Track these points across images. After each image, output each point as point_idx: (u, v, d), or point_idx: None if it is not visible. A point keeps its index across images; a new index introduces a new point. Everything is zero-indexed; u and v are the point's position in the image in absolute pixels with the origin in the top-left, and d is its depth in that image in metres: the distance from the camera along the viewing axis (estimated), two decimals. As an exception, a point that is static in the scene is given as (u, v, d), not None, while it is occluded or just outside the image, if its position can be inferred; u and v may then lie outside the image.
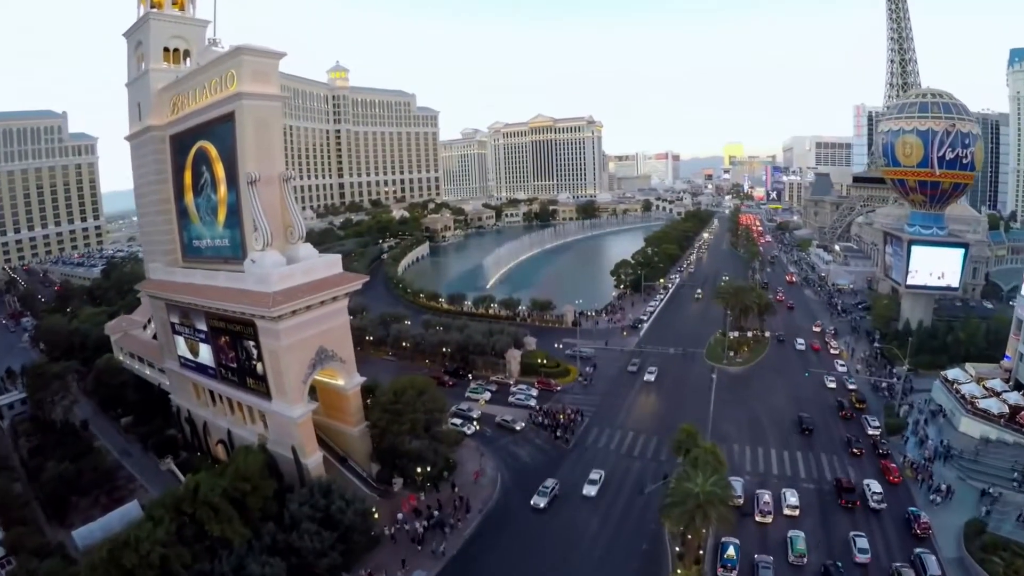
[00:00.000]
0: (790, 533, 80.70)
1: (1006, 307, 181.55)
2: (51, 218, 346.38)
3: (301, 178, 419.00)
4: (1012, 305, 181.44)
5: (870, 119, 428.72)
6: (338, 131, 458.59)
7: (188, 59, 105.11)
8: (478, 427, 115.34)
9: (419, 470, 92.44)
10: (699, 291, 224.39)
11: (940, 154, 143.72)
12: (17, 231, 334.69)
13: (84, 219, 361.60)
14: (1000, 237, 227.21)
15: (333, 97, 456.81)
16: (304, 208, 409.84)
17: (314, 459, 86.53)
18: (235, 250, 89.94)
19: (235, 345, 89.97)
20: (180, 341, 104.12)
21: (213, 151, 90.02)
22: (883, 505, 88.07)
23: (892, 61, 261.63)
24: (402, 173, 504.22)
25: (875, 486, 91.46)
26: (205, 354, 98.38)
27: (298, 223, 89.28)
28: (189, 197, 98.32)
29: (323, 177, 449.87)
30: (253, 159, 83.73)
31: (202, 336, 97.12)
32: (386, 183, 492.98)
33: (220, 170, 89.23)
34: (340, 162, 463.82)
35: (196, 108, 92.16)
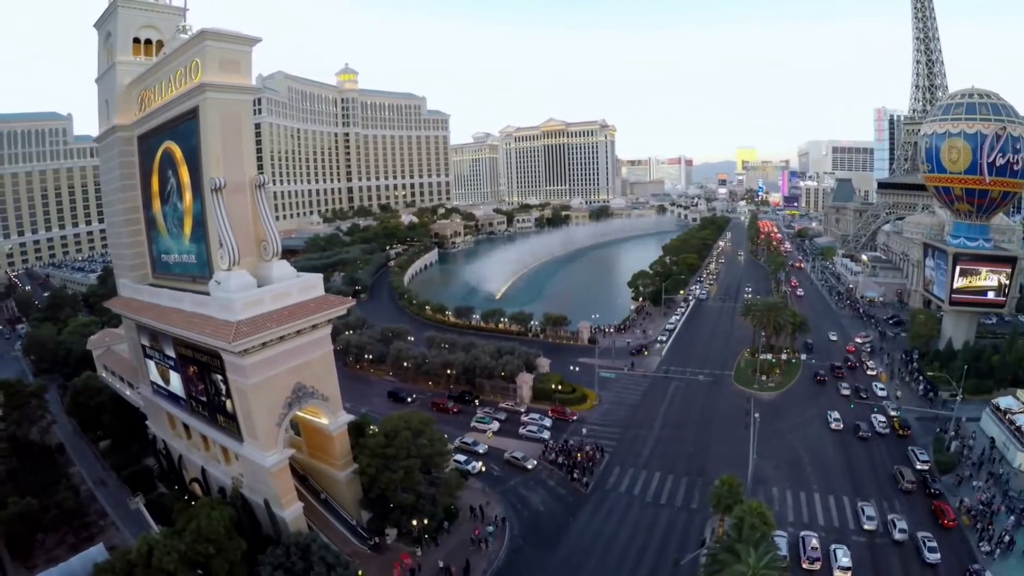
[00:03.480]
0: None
1: None
2: (55, 221, 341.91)
3: (309, 182, 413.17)
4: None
5: (892, 123, 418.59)
6: (347, 134, 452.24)
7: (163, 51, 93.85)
8: (483, 467, 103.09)
9: (414, 523, 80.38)
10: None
11: (990, 160, 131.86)
12: (21, 234, 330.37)
13: (89, 223, 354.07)
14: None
15: (342, 100, 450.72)
16: (311, 212, 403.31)
17: (292, 511, 74.41)
18: (202, 268, 77.84)
19: (203, 377, 78.11)
20: (151, 366, 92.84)
21: (178, 153, 78.14)
22: (937, 556, 77.76)
23: (918, 62, 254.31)
24: (412, 177, 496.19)
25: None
26: (176, 383, 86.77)
27: (273, 238, 76.17)
28: (157, 205, 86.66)
29: (331, 181, 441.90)
30: (219, 162, 71.51)
31: (171, 363, 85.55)
32: (395, 187, 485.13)
33: (185, 175, 77.33)
34: (349, 166, 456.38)
35: (161, 104, 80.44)
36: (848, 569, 74.70)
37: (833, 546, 79.06)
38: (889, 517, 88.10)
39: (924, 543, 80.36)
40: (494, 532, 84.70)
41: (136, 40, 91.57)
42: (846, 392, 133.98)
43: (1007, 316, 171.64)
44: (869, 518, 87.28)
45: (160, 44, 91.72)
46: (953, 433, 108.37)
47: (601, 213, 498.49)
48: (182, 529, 67.25)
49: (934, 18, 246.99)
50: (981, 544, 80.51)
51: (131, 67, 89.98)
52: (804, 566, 76.13)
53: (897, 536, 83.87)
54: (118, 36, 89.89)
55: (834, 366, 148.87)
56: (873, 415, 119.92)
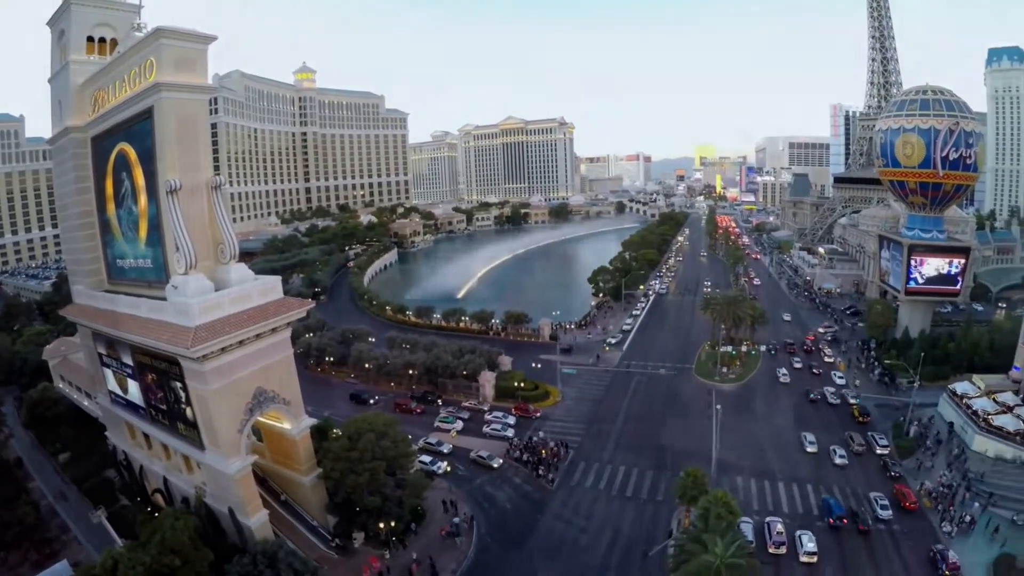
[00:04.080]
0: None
1: (995, 308, 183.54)
2: (7, 227, 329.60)
3: (266, 183, 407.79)
4: (1002, 307, 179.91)
5: (847, 119, 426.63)
6: (304, 134, 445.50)
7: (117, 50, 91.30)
8: (449, 467, 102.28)
9: (381, 526, 79.80)
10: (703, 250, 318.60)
11: (943, 154, 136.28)
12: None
13: (42, 228, 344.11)
14: (986, 237, 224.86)
15: (299, 99, 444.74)
16: (269, 214, 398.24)
17: (258, 518, 73.37)
18: (158, 272, 75.76)
19: (162, 385, 76.44)
20: (109, 374, 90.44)
21: (133, 155, 76.15)
22: (888, 513, 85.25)
23: (873, 60, 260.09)
24: (370, 177, 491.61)
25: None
26: (134, 391, 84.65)
27: (230, 240, 74.75)
28: (111, 209, 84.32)
29: (289, 181, 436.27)
30: (174, 163, 69.93)
31: (129, 372, 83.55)
32: (354, 187, 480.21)
33: (139, 177, 75.40)
34: (307, 166, 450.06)
35: (115, 104, 78.37)
36: (814, 554, 76.47)
37: (798, 532, 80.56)
38: (831, 447, 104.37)
39: (876, 502, 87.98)
40: (462, 523, 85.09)
41: (90, 38, 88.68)
42: (798, 366, 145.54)
43: (961, 304, 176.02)
44: (811, 442, 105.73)
45: (114, 43, 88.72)
46: (917, 423, 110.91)
47: (560, 210, 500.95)
48: (146, 542, 65.90)
49: (889, 17, 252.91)
50: (943, 524, 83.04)
51: (85, 66, 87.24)
52: (770, 551, 77.98)
53: (837, 461, 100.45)
54: (72, 34, 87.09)
55: (787, 343, 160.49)
56: (825, 388, 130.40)
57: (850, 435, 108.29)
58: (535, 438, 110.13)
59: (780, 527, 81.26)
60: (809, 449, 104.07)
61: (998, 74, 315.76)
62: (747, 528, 79.97)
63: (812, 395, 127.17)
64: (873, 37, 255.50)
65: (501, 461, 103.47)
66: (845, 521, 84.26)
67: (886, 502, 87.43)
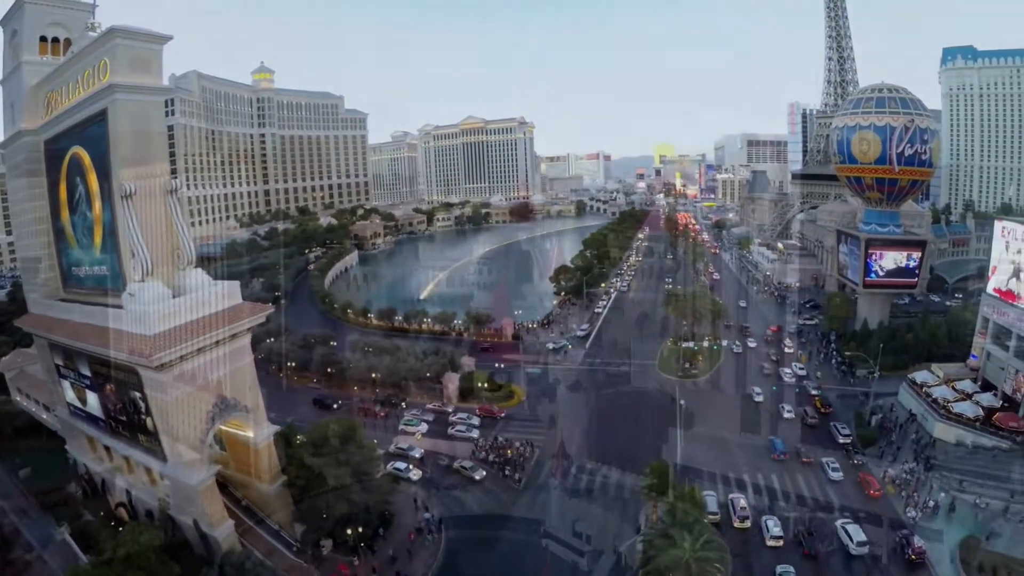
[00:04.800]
0: (779, 569, 73.31)
1: (950, 298, 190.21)
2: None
3: (225, 186, 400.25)
4: (958, 298, 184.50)
5: (804, 117, 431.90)
6: (263, 135, 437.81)
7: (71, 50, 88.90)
8: (422, 472, 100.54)
9: (349, 532, 78.77)
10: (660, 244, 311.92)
11: (899, 150, 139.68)
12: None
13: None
14: (942, 231, 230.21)
15: (258, 100, 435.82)
16: (228, 217, 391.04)
17: (223, 529, 71.88)
18: (114, 280, 73.79)
19: (121, 395, 74.58)
20: (67, 386, 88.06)
21: (87, 159, 74.33)
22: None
23: (830, 59, 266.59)
24: (330, 178, 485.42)
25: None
26: (93, 403, 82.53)
27: (187, 246, 73.27)
28: (65, 215, 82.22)
29: (248, 184, 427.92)
30: (129, 167, 68.31)
31: (87, 383, 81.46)
32: (313, 189, 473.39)
33: (94, 181, 73.58)
34: (265, 168, 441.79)
35: (69, 106, 76.52)
36: (780, 538, 78.18)
37: (764, 517, 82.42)
38: (780, 405, 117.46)
39: (828, 466, 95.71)
40: (431, 521, 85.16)
41: (43, 38, 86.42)
42: (752, 344, 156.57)
43: (919, 296, 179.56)
44: (757, 393, 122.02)
45: (68, 43, 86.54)
46: (880, 414, 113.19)
47: (522, 210, 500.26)
48: (111, 558, 64.35)
49: (846, 17, 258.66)
50: (908, 510, 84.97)
51: (38, 67, 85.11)
52: (735, 525, 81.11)
53: (785, 415, 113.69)
54: (24, 34, 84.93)
55: (743, 326, 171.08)
56: (781, 369, 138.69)
57: (805, 409, 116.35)
58: (500, 438, 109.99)
59: (743, 502, 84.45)
60: (757, 399, 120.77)
61: (952, 72, 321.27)
62: (711, 501, 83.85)
63: (765, 370, 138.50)
64: (830, 36, 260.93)
65: (484, 473, 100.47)
66: (787, 456, 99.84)
67: (837, 465, 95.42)
